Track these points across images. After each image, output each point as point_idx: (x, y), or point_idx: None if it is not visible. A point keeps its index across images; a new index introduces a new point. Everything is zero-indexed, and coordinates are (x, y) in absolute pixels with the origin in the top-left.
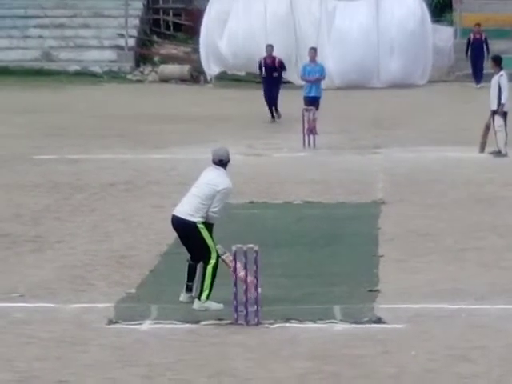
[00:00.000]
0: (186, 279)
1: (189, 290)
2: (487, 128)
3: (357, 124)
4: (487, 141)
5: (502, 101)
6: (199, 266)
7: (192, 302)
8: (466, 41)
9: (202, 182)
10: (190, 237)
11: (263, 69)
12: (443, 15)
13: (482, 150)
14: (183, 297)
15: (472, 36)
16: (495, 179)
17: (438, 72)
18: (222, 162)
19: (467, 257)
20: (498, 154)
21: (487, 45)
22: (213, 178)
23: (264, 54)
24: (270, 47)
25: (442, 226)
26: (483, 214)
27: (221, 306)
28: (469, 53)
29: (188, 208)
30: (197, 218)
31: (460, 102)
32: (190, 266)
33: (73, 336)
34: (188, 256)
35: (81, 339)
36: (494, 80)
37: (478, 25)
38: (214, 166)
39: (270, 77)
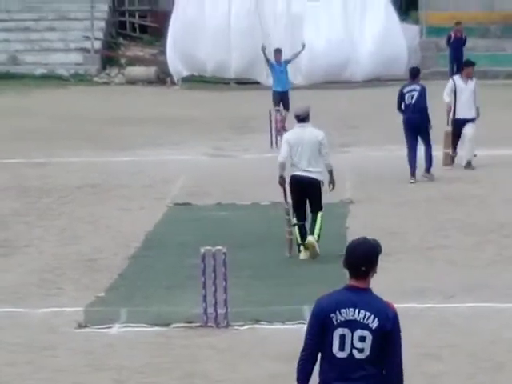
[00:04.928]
0: (299, 241)
1: (306, 248)
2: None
3: (325, 122)
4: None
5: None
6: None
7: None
8: (434, 39)
9: (303, 143)
10: (314, 193)
11: None
12: (408, 14)
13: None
14: (304, 255)
15: (453, 34)
16: (463, 177)
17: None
18: (307, 118)
19: (435, 255)
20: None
21: (465, 44)
22: (311, 134)
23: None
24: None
25: (410, 225)
26: (452, 213)
27: None
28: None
29: (315, 169)
30: (322, 178)
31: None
32: (300, 227)
33: (42, 341)
34: (293, 219)
35: (50, 344)
36: (471, 85)
37: (459, 23)
38: (300, 124)
39: None
